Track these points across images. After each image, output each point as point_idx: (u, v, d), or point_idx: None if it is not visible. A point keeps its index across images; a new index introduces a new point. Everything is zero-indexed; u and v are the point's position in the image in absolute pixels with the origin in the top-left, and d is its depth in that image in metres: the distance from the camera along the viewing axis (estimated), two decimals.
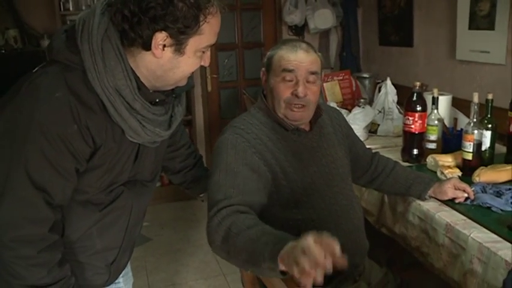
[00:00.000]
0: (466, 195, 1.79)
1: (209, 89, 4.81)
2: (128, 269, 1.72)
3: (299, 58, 1.57)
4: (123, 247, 1.47)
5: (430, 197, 1.83)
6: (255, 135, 1.58)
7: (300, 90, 1.55)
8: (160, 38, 1.15)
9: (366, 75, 3.92)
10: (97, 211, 1.35)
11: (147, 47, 1.17)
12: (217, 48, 4.71)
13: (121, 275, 1.63)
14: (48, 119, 1.13)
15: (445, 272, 1.68)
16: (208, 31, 1.20)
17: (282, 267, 1.08)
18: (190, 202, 4.39)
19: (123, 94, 1.18)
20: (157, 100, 1.27)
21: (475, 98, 2.02)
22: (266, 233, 1.21)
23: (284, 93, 1.58)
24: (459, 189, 1.80)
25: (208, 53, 1.27)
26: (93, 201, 1.33)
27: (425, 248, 1.80)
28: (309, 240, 1.00)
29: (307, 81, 1.57)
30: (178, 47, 1.18)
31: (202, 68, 4.70)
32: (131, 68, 1.20)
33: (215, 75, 4.79)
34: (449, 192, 1.79)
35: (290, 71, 1.56)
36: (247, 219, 1.30)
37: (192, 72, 1.31)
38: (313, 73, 1.59)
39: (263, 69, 1.67)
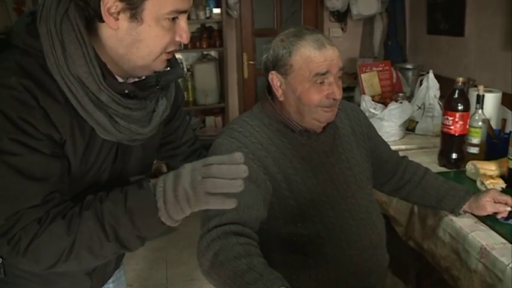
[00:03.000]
0: (509, 208, 1.54)
1: (245, 75, 4.68)
2: (121, 273, 1.59)
3: (329, 56, 1.34)
4: None
5: (466, 212, 1.59)
6: (254, 139, 1.38)
7: (336, 91, 1.35)
8: (109, 2, 0.97)
9: (409, 66, 3.66)
10: None
11: (100, 17, 0.99)
12: (254, 33, 4.57)
13: (111, 280, 1.50)
14: (8, 105, 0.98)
15: None
16: None
17: None
18: None
19: (86, 83, 1.01)
20: (126, 91, 1.09)
21: None
22: (252, 270, 1.07)
23: (317, 98, 1.35)
24: (500, 203, 1.54)
25: (182, 24, 1.06)
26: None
27: (456, 271, 1.57)
28: None
29: (337, 78, 1.38)
30: (134, 12, 0.99)
31: (239, 54, 4.56)
32: (95, 53, 1.02)
33: (252, 62, 4.66)
34: (488, 206, 1.54)
35: (324, 73, 1.34)
36: (236, 246, 1.15)
37: (171, 56, 1.11)
38: (341, 69, 1.39)
39: (273, 72, 1.40)
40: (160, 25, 1.02)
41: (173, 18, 1.03)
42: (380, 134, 1.74)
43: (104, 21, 1.00)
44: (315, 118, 1.39)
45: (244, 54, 4.61)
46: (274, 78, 1.40)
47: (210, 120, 4.66)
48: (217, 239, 1.16)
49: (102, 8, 0.97)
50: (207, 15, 4.19)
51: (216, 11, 4.25)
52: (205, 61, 4.38)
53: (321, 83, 1.35)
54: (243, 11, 4.44)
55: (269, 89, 1.48)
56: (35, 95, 0.99)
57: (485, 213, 1.55)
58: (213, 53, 4.53)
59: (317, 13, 4.66)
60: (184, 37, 1.06)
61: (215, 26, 4.40)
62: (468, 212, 1.59)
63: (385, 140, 1.74)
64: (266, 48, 1.44)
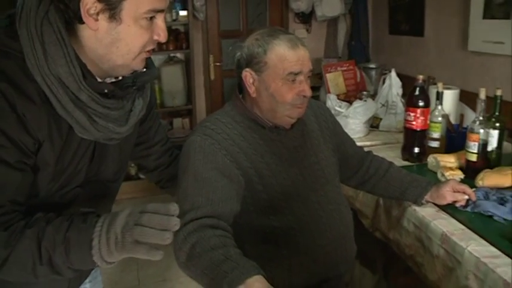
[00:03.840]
0: (466, 197, 1.63)
1: (212, 77, 4.69)
2: (97, 273, 1.61)
3: (301, 56, 1.41)
4: None
5: (428, 202, 1.67)
6: (226, 136, 1.43)
7: (307, 89, 1.42)
8: (89, 4, 1.00)
9: (372, 65, 3.76)
10: None
11: (80, 18, 1.02)
12: (220, 35, 4.59)
13: (88, 280, 1.51)
14: None
15: (439, 285, 1.54)
16: None
17: None
18: None
19: (66, 83, 1.04)
20: (106, 91, 1.12)
21: (482, 94, 1.84)
22: (229, 259, 1.10)
23: (289, 96, 1.41)
24: (458, 192, 1.63)
25: (160, 23, 1.09)
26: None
27: (420, 258, 1.65)
28: None
29: (307, 78, 1.45)
30: (113, 12, 1.02)
31: (205, 56, 4.58)
32: (75, 54, 1.05)
33: (218, 64, 4.67)
34: (448, 195, 1.62)
35: (297, 73, 1.40)
36: (213, 238, 1.19)
37: (150, 55, 1.15)
38: (311, 70, 1.46)
39: (247, 69, 1.45)
40: (139, 24, 1.05)
41: (151, 18, 1.07)
42: (346, 131, 1.81)
43: (83, 23, 1.02)
44: (287, 115, 1.45)
45: (211, 56, 4.62)
46: (248, 75, 1.45)
47: (177, 122, 4.66)
48: (194, 232, 1.20)
49: (81, 10, 1.00)
50: (174, 17, 4.19)
51: (183, 13, 4.26)
52: (172, 63, 4.38)
53: (292, 81, 1.40)
54: (209, 13, 4.46)
55: (239, 87, 1.53)
56: (9, 98, 1.00)
57: (445, 202, 1.64)
58: (179, 55, 4.54)
59: (282, 15, 4.71)
60: (162, 35, 1.10)
61: (181, 29, 4.41)
62: (430, 202, 1.67)
63: (351, 137, 1.81)
64: (239, 46, 1.48)
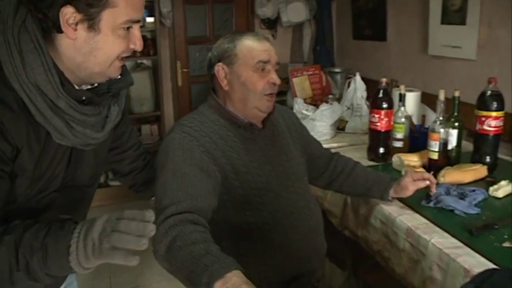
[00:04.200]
0: (427, 182, 1.67)
1: (179, 83, 4.70)
2: (73, 278, 1.61)
3: (268, 48, 1.54)
4: None
5: (394, 198, 1.73)
6: (204, 133, 1.49)
7: (276, 78, 1.53)
8: (68, 14, 1.03)
9: (337, 70, 3.85)
10: None
11: (58, 28, 1.05)
12: (187, 41, 4.61)
13: (63, 286, 1.52)
14: None
15: (406, 278, 1.61)
16: (124, 3, 1.07)
17: None
18: None
19: (44, 91, 1.06)
20: (83, 98, 1.15)
21: (441, 96, 1.94)
22: (210, 254, 1.14)
23: (260, 84, 1.51)
24: (418, 179, 1.67)
25: (136, 33, 1.14)
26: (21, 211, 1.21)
27: (387, 253, 1.72)
28: None
29: (276, 71, 1.55)
30: (91, 22, 1.05)
31: (172, 63, 4.60)
32: (53, 62, 1.08)
33: (186, 70, 4.68)
34: (410, 185, 1.66)
35: (266, 62, 1.51)
36: (194, 233, 1.23)
37: (123, 64, 1.19)
38: (278, 63, 1.57)
39: (219, 63, 1.54)
40: (116, 34, 1.09)
41: (128, 27, 1.11)
42: (313, 133, 1.88)
43: (62, 32, 1.05)
44: (257, 106, 1.53)
45: (178, 62, 4.64)
46: (220, 69, 1.53)
47: (145, 128, 4.66)
48: (175, 226, 1.23)
49: (61, 19, 1.03)
50: (141, 24, 4.19)
51: (150, 19, 4.27)
52: (139, 70, 4.39)
53: (262, 70, 1.50)
54: (176, 20, 4.48)
55: (213, 89, 1.60)
56: None
57: (409, 193, 1.67)
58: (147, 62, 4.54)
59: (248, 21, 4.76)
60: (138, 44, 1.14)
61: (148, 35, 4.42)
62: (395, 198, 1.73)
63: (318, 139, 1.89)
64: (209, 48, 1.61)
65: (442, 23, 3.39)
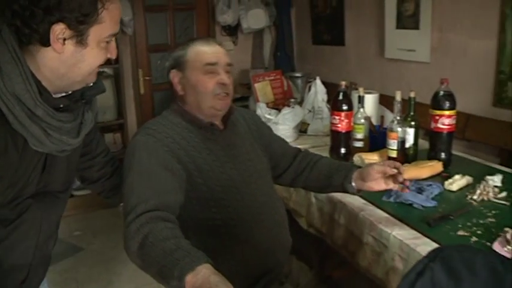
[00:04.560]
0: (395, 171, 1.53)
1: (142, 91, 4.70)
2: (45, 286, 1.62)
3: (216, 50, 1.62)
4: (33, 265, 1.37)
5: (359, 190, 1.63)
6: (167, 135, 1.56)
7: (225, 78, 1.60)
8: (58, 30, 1.08)
9: (298, 74, 3.94)
10: (1, 228, 1.25)
11: (46, 42, 1.09)
12: (149, 49, 4.62)
13: None
14: None
15: (370, 270, 1.69)
16: (109, 19, 1.15)
17: None
18: None
19: (22, 100, 1.09)
20: (61, 106, 1.19)
21: (398, 96, 2.04)
22: (180, 249, 1.17)
23: (210, 85, 1.59)
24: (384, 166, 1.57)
25: (113, 44, 1.21)
26: None
27: (351, 247, 1.80)
28: None
29: (226, 72, 1.62)
30: (80, 38, 1.11)
31: (134, 71, 4.60)
32: (30, 71, 1.11)
33: (148, 77, 4.68)
34: (374, 171, 1.56)
35: (213, 64, 1.59)
36: (166, 229, 1.26)
37: (98, 74, 1.24)
38: (229, 64, 1.64)
39: (173, 70, 1.64)
40: (100, 47, 1.16)
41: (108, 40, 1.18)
42: None
43: (49, 46, 1.09)
44: (211, 106, 1.61)
45: (140, 70, 4.64)
46: (174, 75, 1.64)
47: (109, 137, 4.63)
48: (146, 224, 1.25)
49: (51, 35, 1.07)
50: None
51: None
52: (101, 78, 4.35)
53: (211, 72, 1.58)
54: (137, 28, 4.48)
55: (174, 94, 1.68)
56: None
57: (373, 180, 1.56)
58: (108, 70, 4.52)
59: (209, 28, 4.80)
60: (114, 53, 1.22)
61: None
62: (361, 191, 1.64)
63: None
64: (167, 57, 1.70)
65: (397, 27, 3.53)
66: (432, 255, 0.65)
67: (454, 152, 2.25)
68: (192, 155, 1.56)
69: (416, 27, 3.35)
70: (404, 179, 1.52)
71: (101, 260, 3.51)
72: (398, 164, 1.54)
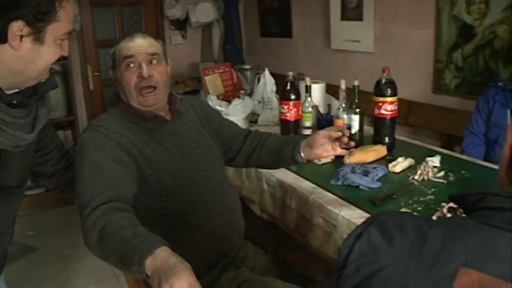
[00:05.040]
0: (339, 133, 1.56)
1: (91, 87, 4.66)
2: (2, 283, 1.62)
3: (137, 44, 1.62)
4: None
5: (308, 160, 1.68)
6: (114, 130, 1.59)
7: (144, 70, 1.60)
8: (16, 27, 1.10)
9: (247, 66, 4.00)
10: None
11: (3, 39, 1.11)
12: (97, 45, 4.58)
13: None
14: None
15: (322, 250, 1.78)
16: (65, 17, 1.18)
17: (149, 272, 1.12)
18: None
19: None
20: (14, 102, 1.21)
21: (342, 85, 2.14)
22: (138, 235, 1.21)
23: (131, 79, 1.60)
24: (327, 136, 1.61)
25: (67, 42, 1.24)
26: None
27: (303, 229, 1.88)
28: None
29: (150, 63, 1.63)
30: (38, 35, 1.14)
31: (83, 66, 4.55)
32: None
33: (97, 73, 4.65)
34: (320, 136, 1.61)
35: (131, 56, 1.60)
36: (122, 219, 1.30)
37: (51, 71, 1.27)
38: (153, 54, 1.63)
39: (111, 69, 1.68)
40: (56, 44, 1.19)
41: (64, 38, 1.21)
42: None
43: (5, 43, 1.11)
44: (138, 102, 1.63)
45: (89, 66, 4.60)
46: (112, 74, 1.69)
47: (59, 134, 4.54)
48: (103, 216, 1.29)
49: (9, 32, 1.10)
50: None
51: None
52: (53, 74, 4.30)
53: (132, 66, 1.60)
54: (84, 23, 4.44)
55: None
56: None
57: (320, 146, 1.60)
58: (56, 67, 4.45)
59: (158, 22, 4.81)
60: (67, 51, 1.25)
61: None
62: (310, 161, 1.68)
63: None
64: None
65: (342, 19, 3.65)
66: (369, 220, 0.73)
67: (398, 137, 2.38)
68: (140, 147, 1.59)
69: (360, 18, 3.48)
70: (350, 140, 1.55)
71: (57, 259, 3.48)
72: (342, 127, 1.62)
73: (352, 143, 1.57)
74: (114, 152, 1.52)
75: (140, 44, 1.62)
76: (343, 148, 1.59)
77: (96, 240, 1.27)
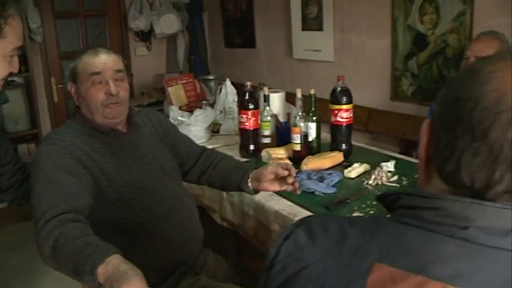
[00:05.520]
0: (286, 172, 1.61)
1: (55, 100, 4.61)
2: None
3: (103, 60, 1.63)
4: None
5: (256, 190, 1.73)
6: (70, 142, 1.59)
7: (112, 88, 1.62)
8: None
9: (211, 77, 4.04)
10: None
11: None
12: (60, 57, 4.55)
13: None
14: None
15: None
16: (12, 33, 1.21)
17: (101, 280, 1.14)
18: None
19: None
20: None
21: (298, 94, 2.18)
22: (90, 245, 1.23)
23: (98, 96, 1.62)
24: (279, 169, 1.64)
25: (16, 58, 1.27)
26: None
27: (261, 236, 1.92)
28: None
29: (116, 80, 1.65)
30: None
31: (46, 79, 4.51)
32: None
33: (61, 85, 4.60)
34: (267, 173, 1.65)
35: (98, 73, 1.61)
36: (75, 229, 1.31)
37: (7, 83, 1.28)
38: (119, 71, 1.66)
39: (70, 82, 1.68)
40: (5, 61, 1.23)
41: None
42: (189, 137, 2.02)
43: None
44: (103, 115, 1.65)
45: (53, 78, 4.56)
46: (71, 86, 1.68)
47: (22, 147, 4.49)
48: (56, 227, 1.30)
49: None
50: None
51: None
52: (11, 88, 4.24)
53: (99, 83, 1.61)
54: (47, 35, 4.40)
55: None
56: None
57: (267, 180, 1.65)
58: (18, 79, 4.40)
59: (122, 34, 4.80)
60: (16, 68, 1.29)
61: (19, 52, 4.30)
62: (258, 191, 1.73)
63: (195, 142, 2.02)
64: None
65: (303, 29, 3.72)
66: (298, 223, 0.76)
67: (358, 143, 2.44)
68: (96, 160, 1.60)
69: (320, 28, 3.56)
70: (294, 181, 1.61)
71: (20, 274, 3.42)
72: (290, 166, 1.65)
73: (297, 184, 1.63)
74: (70, 165, 1.53)
75: (106, 61, 1.63)
76: (288, 184, 1.63)
77: (50, 251, 1.28)
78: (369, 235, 0.67)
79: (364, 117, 3.26)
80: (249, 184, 1.72)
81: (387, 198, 0.72)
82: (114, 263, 1.14)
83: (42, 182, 1.46)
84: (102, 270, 1.14)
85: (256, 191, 1.73)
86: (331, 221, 0.73)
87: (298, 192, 1.65)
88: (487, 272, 0.60)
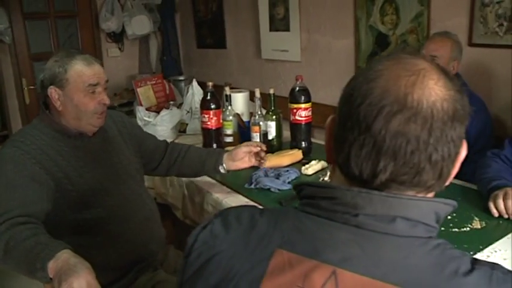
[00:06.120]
0: (258, 148, 1.89)
1: (27, 101, 4.60)
2: None
3: (97, 71, 1.67)
4: None
5: (228, 170, 1.92)
6: (35, 146, 1.60)
7: (105, 97, 1.69)
8: None
9: (181, 78, 4.07)
10: None
11: None
12: (31, 58, 4.54)
13: None
14: None
15: None
16: None
17: (51, 275, 1.19)
18: None
19: None
20: None
21: (257, 93, 2.24)
22: (39, 244, 1.27)
23: (91, 105, 1.65)
24: (251, 145, 1.92)
25: None
26: None
27: None
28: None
29: (105, 89, 1.71)
30: None
31: (17, 80, 4.50)
32: None
33: (32, 87, 4.59)
34: (241, 151, 1.89)
35: (96, 84, 1.65)
36: (25, 231, 1.34)
37: None
38: (107, 81, 1.72)
39: (52, 86, 1.63)
40: None
41: None
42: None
43: None
44: (91, 123, 1.69)
45: (24, 79, 4.55)
46: (53, 92, 1.63)
47: None
48: (6, 231, 1.33)
49: None
50: None
51: None
52: None
53: (92, 92, 1.65)
54: (16, 36, 4.39)
55: (45, 103, 1.71)
56: None
57: (241, 159, 1.89)
58: None
59: (94, 35, 4.80)
60: None
61: None
62: (230, 171, 1.93)
63: None
64: (42, 69, 1.69)
65: (271, 30, 3.78)
66: (218, 214, 0.81)
67: (322, 141, 2.48)
68: (61, 164, 1.62)
69: (287, 29, 3.62)
70: (264, 155, 1.90)
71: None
72: (260, 143, 1.89)
73: (265, 157, 1.92)
74: (33, 170, 1.54)
75: (99, 72, 1.67)
76: (257, 159, 1.91)
77: (2, 254, 1.32)
78: (273, 223, 0.73)
79: (329, 115, 3.32)
80: (224, 165, 1.92)
81: (296, 189, 0.78)
82: (64, 258, 1.19)
83: (1, 186, 1.48)
84: (52, 265, 1.19)
85: (228, 171, 1.94)
86: (245, 211, 0.79)
87: (265, 165, 1.95)
88: (375, 255, 0.66)
